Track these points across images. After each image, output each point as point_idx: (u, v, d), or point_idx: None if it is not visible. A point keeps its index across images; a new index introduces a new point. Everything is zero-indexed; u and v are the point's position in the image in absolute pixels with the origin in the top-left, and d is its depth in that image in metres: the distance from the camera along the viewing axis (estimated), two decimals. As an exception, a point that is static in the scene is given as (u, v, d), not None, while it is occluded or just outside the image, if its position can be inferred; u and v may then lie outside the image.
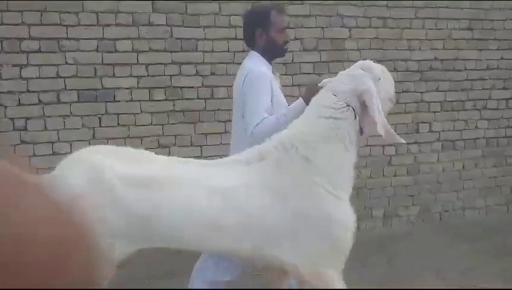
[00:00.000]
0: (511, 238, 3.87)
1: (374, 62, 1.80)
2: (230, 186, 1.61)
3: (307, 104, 1.85)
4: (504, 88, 4.42)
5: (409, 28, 4.06)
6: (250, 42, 2.23)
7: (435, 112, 4.25)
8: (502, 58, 4.36)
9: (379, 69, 1.78)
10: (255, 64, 2.14)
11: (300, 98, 2.00)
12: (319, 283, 1.63)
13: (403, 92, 4.11)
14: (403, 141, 1.81)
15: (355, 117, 1.69)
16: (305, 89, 2.04)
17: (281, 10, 2.26)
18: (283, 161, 1.64)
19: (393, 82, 1.84)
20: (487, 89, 4.38)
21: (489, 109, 4.39)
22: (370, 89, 1.67)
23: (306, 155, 1.64)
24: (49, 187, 0.45)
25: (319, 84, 1.88)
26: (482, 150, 4.41)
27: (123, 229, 1.53)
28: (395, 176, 4.16)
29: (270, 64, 2.23)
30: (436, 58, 4.21)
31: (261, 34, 2.19)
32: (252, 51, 2.23)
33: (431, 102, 4.21)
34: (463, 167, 4.38)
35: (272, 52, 2.22)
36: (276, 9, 2.24)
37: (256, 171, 1.64)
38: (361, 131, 1.72)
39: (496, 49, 4.32)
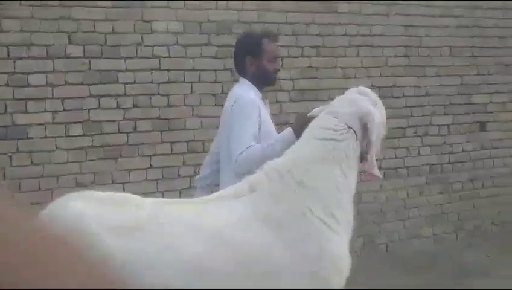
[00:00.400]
0: (460, 266, 3.71)
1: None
2: (221, 224, 1.51)
3: (297, 133, 1.83)
4: (445, 114, 4.34)
5: (343, 56, 3.97)
6: (241, 69, 2.19)
7: (376, 139, 4.11)
8: (440, 85, 4.29)
9: (374, 94, 1.81)
10: (245, 91, 2.11)
11: (289, 127, 1.97)
12: None
13: None
14: (380, 176, 1.75)
15: (357, 140, 1.63)
16: (295, 119, 2.05)
17: (273, 38, 2.25)
18: (276, 189, 1.55)
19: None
20: (427, 115, 4.30)
21: (431, 135, 4.30)
22: (371, 111, 1.65)
23: (301, 180, 1.56)
24: None
25: (308, 114, 1.87)
26: (426, 177, 4.30)
27: None
28: (336, 207, 3.98)
29: (260, 92, 2.19)
30: (373, 86, 4.10)
31: (251, 61, 2.16)
32: (242, 78, 2.19)
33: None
34: (407, 195, 4.24)
35: (263, 80, 2.19)
36: (267, 37, 2.21)
37: (246, 204, 1.54)
38: (362, 157, 1.66)
39: (435, 76, 4.24)
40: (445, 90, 4.39)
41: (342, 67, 4.04)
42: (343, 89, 3.94)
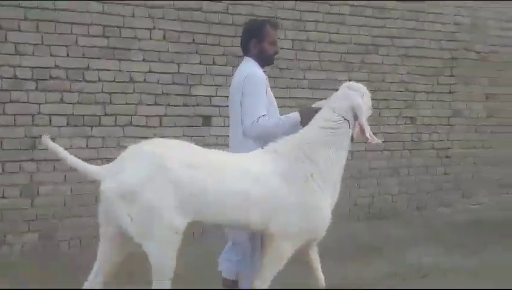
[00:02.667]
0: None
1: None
2: (258, 170, 2.23)
3: (302, 119, 2.43)
4: (156, 104, 3.88)
5: (18, 30, 3.44)
6: (245, 50, 2.63)
7: (59, 126, 3.63)
8: (150, 71, 3.82)
9: (362, 87, 2.43)
10: (252, 68, 2.52)
11: (297, 112, 2.49)
12: (272, 249, 2.28)
13: (12, 102, 3.47)
14: (380, 141, 2.40)
15: (349, 127, 2.31)
16: (303, 108, 2.59)
17: (274, 25, 2.70)
18: (291, 157, 2.27)
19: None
20: (132, 103, 3.83)
21: (135, 125, 3.84)
22: (360, 103, 2.32)
23: (308, 154, 2.28)
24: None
25: (313, 106, 2.51)
26: None
27: (179, 203, 2.06)
28: (3, 197, 3.52)
29: (263, 70, 2.59)
30: (58, 66, 3.60)
31: (255, 44, 2.58)
32: (246, 57, 2.62)
33: (52, 115, 3.60)
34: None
35: (263, 60, 2.60)
36: (270, 23, 2.68)
37: (272, 161, 2.26)
38: (352, 138, 2.35)
39: (142, 61, 3.77)
40: (156, 78, 3.90)
41: (15, 43, 3.49)
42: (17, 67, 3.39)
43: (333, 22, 4.71)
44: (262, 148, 2.36)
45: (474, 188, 5.54)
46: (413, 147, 5.22)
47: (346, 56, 4.81)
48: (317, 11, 4.65)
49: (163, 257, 2.08)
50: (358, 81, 4.49)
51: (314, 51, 4.67)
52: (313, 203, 2.27)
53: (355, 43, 4.84)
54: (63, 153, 2.15)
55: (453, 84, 5.44)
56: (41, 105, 3.72)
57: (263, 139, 2.40)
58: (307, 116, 2.42)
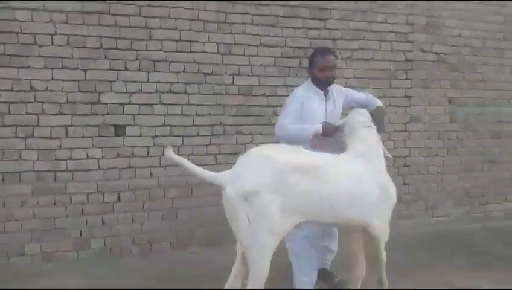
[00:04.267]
0: None
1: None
2: (356, 171, 2.60)
3: (324, 132, 2.97)
4: (60, 113, 3.58)
5: None
6: (308, 75, 3.22)
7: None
8: (52, 79, 3.54)
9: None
10: (299, 88, 3.21)
11: (320, 124, 2.99)
12: (385, 236, 2.73)
13: None
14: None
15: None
16: (326, 125, 3.01)
17: (324, 52, 3.18)
18: (369, 158, 2.72)
19: None
20: (34, 114, 3.54)
21: (38, 137, 3.54)
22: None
23: (373, 155, 2.76)
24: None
25: (336, 124, 3.03)
26: (32, 185, 3.53)
27: (288, 206, 2.29)
28: None
29: (321, 90, 3.15)
30: None
31: (308, 71, 3.19)
32: (307, 80, 3.21)
33: None
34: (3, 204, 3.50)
35: (316, 83, 3.14)
36: (320, 51, 3.20)
37: (362, 163, 2.67)
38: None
39: (44, 68, 3.49)
40: (58, 86, 3.61)
41: None
42: None
43: (264, 24, 4.32)
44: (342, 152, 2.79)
45: (439, 198, 5.00)
46: (364, 155, 4.69)
47: (281, 60, 4.40)
48: (246, 13, 4.28)
49: (262, 260, 2.26)
50: (296, 86, 4.16)
51: (243, 55, 4.28)
52: (392, 186, 2.77)
53: (290, 46, 4.43)
54: (186, 162, 2.39)
55: (408, 88, 5.00)
56: None
57: (288, 141, 2.95)
58: (328, 130, 2.98)
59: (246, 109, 4.38)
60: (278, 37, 4.48)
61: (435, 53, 5.10)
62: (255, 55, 4.42)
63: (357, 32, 4.78)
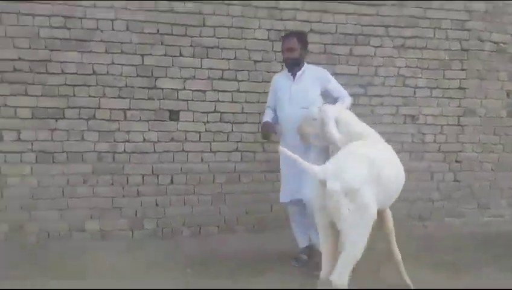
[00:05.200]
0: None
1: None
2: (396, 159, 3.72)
3: (262, 130, 4.41)
4: (120, 97, 4.61)
5: None
6: None
7: (24, 118, 4.44)
8: (112, 63, 4.58)
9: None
10: (278, 73, 4.77)
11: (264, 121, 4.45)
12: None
13: None
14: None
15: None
16: (265, 124, 4.40)
17: (285, 36, 4.51)
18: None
19: None
20: (96, 96, 4.58)
21: (99, 119, 4.58)
22: None
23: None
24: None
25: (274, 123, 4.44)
26: (92, 165, 4.58)
27: (377, 197, 3.22)
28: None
29: (289, 72, 4.41)
30: (21, 59, 4.44)
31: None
32: None
33: (18, 107, 4.40)
34: (67, 182, 4.55)
35: (286, 66, 4.46)
36: (284, 36, 4.56)
37: (387, 148, 3.72)
38: None
39: (105, 52, 4.53)
40: (118, 70, 4.65)
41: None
42: None
43: (315, 9, 5.22)
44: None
45: (493, 198, 5.77)
46: (413, 148, 5.55)
47: (331, 47, 5.30)
48: (296, -2, 5.24)
49: (362, 244, 3.13)
50: (345, 74, 5.14)
51: (294, 41, 5.22)
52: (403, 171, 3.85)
53: (341, 33, 5.32)
54: (294, 156, 3.24)
55: (463, 79, 5.87)
56: (6, 97, 4.49)
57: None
58: (264, 127, 4.37)
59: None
60: (328, 23, 5.41)
61: (494, 42, 5.95)
62: (305, 42, 5.34)
63: (410, 19, 5.69)
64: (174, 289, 3.80)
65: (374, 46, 5.54)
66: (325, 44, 5.42)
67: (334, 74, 5.33)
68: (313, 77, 4.35)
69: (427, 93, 5.72)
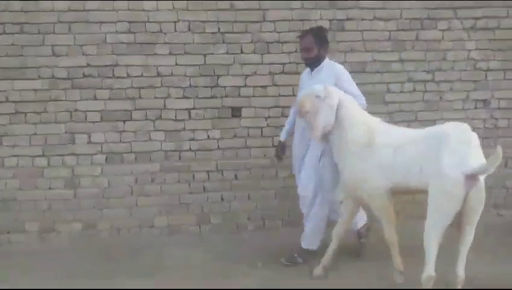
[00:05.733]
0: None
1: None
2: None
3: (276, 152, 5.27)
4: (184, 97, 5.32)
5: (52, 33, 5.08)
6: None
7: (94, 122, 5.24)
8: (176, 64, 5.28)
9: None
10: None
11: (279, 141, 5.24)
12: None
13: (52, 100, 5.15)
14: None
15: None
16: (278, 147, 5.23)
17: (301, 35, 4.99)
18: None
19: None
20: (161, 97, 5.31)
21: (165, 119, 5.32)
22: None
23: None
24: None
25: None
26: (160, 164, 5.34)
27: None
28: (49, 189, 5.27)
29: (310, 70, 4.98)
30: (89, 65, 5.21)
31: None
32: None
33: (88, 111, 5.20)
34: (136, 181, 5.35)
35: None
36: (300, 34, 5.07)
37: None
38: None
39: (168, 54, 5.23)
40: (182, 70, 5.34)
41: (52, 45, 5.14)
42: (52, 67, 5.12)
43: (378, -4, 5.78)
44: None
45: None
46: (487, 134, 5.94)
47: (396, 34, 5.74)
48: (357, -14, 5.75)
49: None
50: (412, 61, 5.55)
51: (356, 30, 5.69)
52: None
53: (407, 18, 5.74)
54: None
55: (542, 60, 6.13)
56: (77, 102, 5.29)
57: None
58: (278, 147, 5.22)
59: (358, 86, 5.80)
60: (393, 9, 5.89)
61: None
62: (368, 30, 5.86)
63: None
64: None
65: (442, 30, 5.98)
66: (390, 31, 5.94)
67: (401, 61, 5.86)
68: (330, 73, 4.80)
69: (500, 76, 6.09)
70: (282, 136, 5.12)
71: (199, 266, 4.97)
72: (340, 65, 4.95)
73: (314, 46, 4.77)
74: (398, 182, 4.16)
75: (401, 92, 6.00)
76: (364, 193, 4.35)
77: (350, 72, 5.74)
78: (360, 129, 4.37)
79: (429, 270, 3.86)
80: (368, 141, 4.31)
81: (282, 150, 5.11)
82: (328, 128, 4.42)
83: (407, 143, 4.17)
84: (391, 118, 5.82)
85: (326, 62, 4.87)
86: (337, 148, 4.49)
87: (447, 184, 3.73)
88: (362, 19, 5.90)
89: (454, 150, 3.80)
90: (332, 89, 4.47)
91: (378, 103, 5.89)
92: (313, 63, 4.85)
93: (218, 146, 5.75)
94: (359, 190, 4.37)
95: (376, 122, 4.48)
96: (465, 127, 3.96)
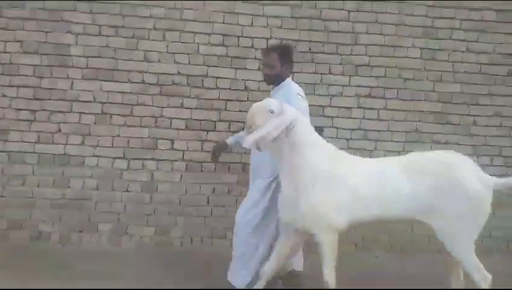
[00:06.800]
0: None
1: None
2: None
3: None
4: None
5: (147, 39, 5.22)
6: None
7: (178, 129, 5.34)
8: (264, 80, 5.34)
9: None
10: None
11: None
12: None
13: (139, 104, 5.28)
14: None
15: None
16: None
17: (265, 49, 4.89)
18: None
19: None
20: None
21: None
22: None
23: None
24: None
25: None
26: (238, 176, 5.42)
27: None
28: (127, 191, 5.38)
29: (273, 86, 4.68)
30: (180, 73, 5.32)
31: None
32: None
33: (173, 118, 5.31)
34: (213, 191, 5.43)
35: None
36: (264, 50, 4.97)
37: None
38: None
39: (257, 70, 5.31)
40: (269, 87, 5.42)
41: (144, 50, 5.27)
42: (142, 72, 5.25)
43: (472, 29, 5.62)
44: None
45: None
46: None
47: (487, 68, 5.68)
48: (454, 18, 5.62)
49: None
50: (502, 96, 5.43)
51: (447, 61, 5.64)
52: None
53: (499, 53, 5.68)
54: None
55: None
56: (163, 109, 5.39)
57: None
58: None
59: (444, 116, 5.76)
60: (486, 43, 5.79)
61: None
62: (459, 62, 5.81)
63: None
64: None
65: (536, 67, 5.89)
66: (481, 64, 5.82)
67: (490, 95, 5.76)
68: (286, 93, 4.39)
69: None
70: (229, 140, 4.81)
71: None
72: (298, 88, 4.49)
73: (277, 64, 4.47)
74: (376, 214, 3.90)
75: (486, 125, 5.95)
76: (319, 227, 3.87)
77: (438, 102, 5.75)
78: (321, 155, 3.93)
79: (485, 275, 3.90)
80: (331, 168, 3.89)
81: (219, 150, 4.82)
82: (267, 143, 3.86)
83: (391, 174, 3.90)
84: (474, 150, 5.86)
85: (287, 82, 4.53)
86: (290, 176, 3.92)
87: (478, 202, 3.85)
88: (454, 50, 5.93)
89: (470, 172, 3.89)
90: (289, 108, 3.99)
91: (463, 134, 5.88)
92: (273, 80, 4.55)
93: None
94: (314, 223, 3.87)
95: (335, 149, 4.06)
96: (459, 154, 4.02)
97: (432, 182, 3.86)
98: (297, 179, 3.88)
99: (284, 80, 4.52)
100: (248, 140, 3.82)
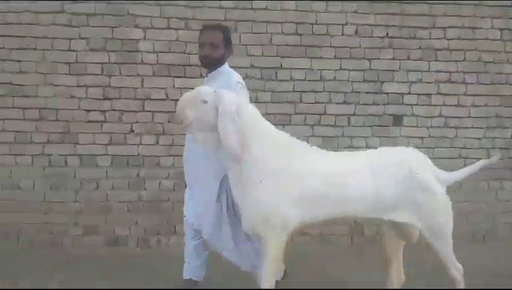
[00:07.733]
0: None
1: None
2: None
3: None
4: (345, 102, 5.16)
5: None
6: None
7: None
8: (340, 69, 5.12)
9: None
10: None
11: None
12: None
13: None
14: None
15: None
16: None
17: (204, 28, 3.98)
18: None
19: None
20: (322, 102, 5.16)
21: (324, 125, 5.17)
22: None
23: None
24: None
25: None
26: None
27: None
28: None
29: (208, 71, 3.96)
30: (253, 66, 5.10)
31: None
32: None
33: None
34: None
35: None
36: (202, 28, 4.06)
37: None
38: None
39: (333, 58, 5.08)
40: (345, 75, 5.18)
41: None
42: None
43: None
44: None
45: None
46: None
47: None
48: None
49: None
50: None
51: (528, 42, 5.49)
52: None
53: None
54: None
55: None
56: (238, 104, 5.22)
57: None
58: None
59: (522, 101, 5.57)
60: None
61: None
62: (543, 42, 5.57)
63: None
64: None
65: None
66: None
67: None
68: (225, 83, 3.70)
69: None
70: None
71: (349, 276, 4.77)
72: (237, 76, 3.87)
73: (221, 45, 3.85)
74: (332, 213, 3.35)
75: None
76: (266, 226, 3.28)
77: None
78: (272, 147, 3.37)
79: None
80: (283, 162, 3.32)
81: None
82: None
83: (351, 172, 3.36)
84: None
85: (226, 70, 3.93)
86: (237, 173, 3.35)
87: (442, 198, 3.44)
88: (535, 29, 5.70)
89: (429, 170, 3.48)
90: (226, 93, 3.34)
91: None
92: (214, 64, 3.86)
93: (376, 155, 5.60)
94: (261, 221, 3.28)
95: (291, 140, 3.51)
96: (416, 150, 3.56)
97: (396, 183, 3.35)
98: (244, 175, 3.32)
99: (223, 64, 3.91)
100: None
